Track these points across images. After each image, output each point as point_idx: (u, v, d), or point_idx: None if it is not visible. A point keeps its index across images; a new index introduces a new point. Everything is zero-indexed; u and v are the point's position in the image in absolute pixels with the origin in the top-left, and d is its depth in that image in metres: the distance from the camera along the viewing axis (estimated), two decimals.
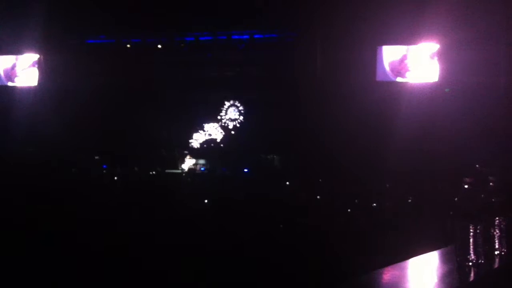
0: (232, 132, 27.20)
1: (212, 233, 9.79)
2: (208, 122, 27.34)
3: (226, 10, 24.54)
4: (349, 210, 12.65)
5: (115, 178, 18.29)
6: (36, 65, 27.59)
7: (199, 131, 27.32)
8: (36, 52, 27.54)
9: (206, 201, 14.55)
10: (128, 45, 27.58)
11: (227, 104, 27.42)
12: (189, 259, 7.82)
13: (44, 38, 26.25)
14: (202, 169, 26.25)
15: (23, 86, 27.82)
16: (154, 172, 21.65)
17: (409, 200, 13.17)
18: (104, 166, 23.07)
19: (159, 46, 27.44)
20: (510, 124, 19.89)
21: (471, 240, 3.73)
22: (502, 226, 4.06)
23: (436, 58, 22.87)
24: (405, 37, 23.22)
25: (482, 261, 3.77)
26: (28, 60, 27.81)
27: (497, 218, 4.06)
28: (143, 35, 27.17)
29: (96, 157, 24.97)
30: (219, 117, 27.30)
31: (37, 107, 25.77)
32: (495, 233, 4.02)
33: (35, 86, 27.62)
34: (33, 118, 24.92)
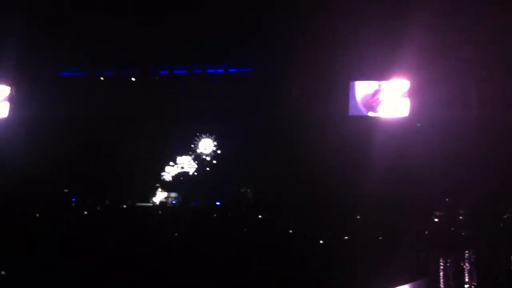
0: (207, 168, 27.08)
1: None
2: (181, 155, 27.19)
3: (201, 44, 24.68)
4: (321, 241, 12.63)
5: (85, 212, 17.93)
6: (8, 98, 27.20)
7: (172, 164, 27.15)
8: (8, 85, 27.19)
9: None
10: (102, 78, 27.45)
11: (200, 137, 27.37)
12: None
13: (17, 71, 25.97)
14: (173, 202, 26.02)
15: None
16: (125, 206, 21.37)
17: (380, 233, 13.19)
18: (73, 199, 22.71)
19: (133, 78, 27.38)
20: (479, 157, 20.22)
21: (441, 273, 3.73)
22: (472, 259, 4.07)
23: (406, 94, 23.27)
24: (377, 73, 23.65)
25: None
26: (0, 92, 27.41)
27: (467, 251, 4.08)
28: (117, 67, 27.10)
29: (66, 190, 24.57)
30: (192, 147, 27.19)
31: (8, 140, 25.32)
32: (465, 266, 4.03)
33: (5, 118, 27.19)
34: (3, 150, 24.45)
